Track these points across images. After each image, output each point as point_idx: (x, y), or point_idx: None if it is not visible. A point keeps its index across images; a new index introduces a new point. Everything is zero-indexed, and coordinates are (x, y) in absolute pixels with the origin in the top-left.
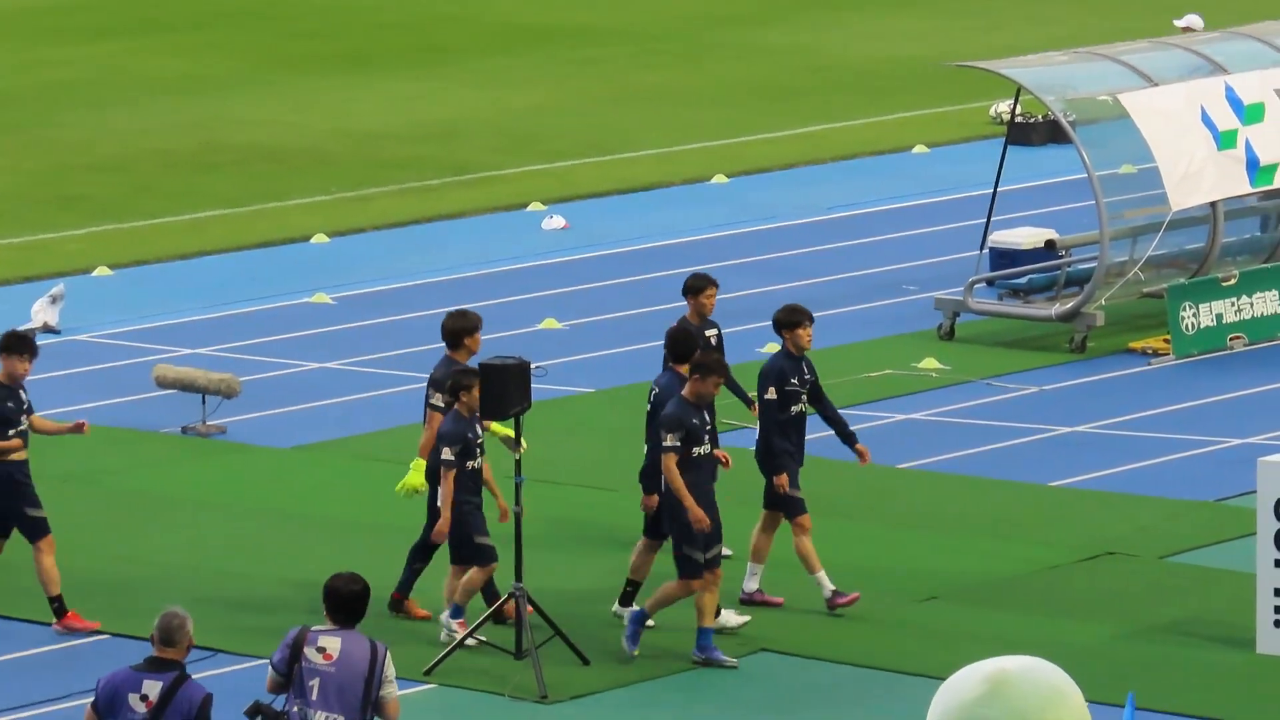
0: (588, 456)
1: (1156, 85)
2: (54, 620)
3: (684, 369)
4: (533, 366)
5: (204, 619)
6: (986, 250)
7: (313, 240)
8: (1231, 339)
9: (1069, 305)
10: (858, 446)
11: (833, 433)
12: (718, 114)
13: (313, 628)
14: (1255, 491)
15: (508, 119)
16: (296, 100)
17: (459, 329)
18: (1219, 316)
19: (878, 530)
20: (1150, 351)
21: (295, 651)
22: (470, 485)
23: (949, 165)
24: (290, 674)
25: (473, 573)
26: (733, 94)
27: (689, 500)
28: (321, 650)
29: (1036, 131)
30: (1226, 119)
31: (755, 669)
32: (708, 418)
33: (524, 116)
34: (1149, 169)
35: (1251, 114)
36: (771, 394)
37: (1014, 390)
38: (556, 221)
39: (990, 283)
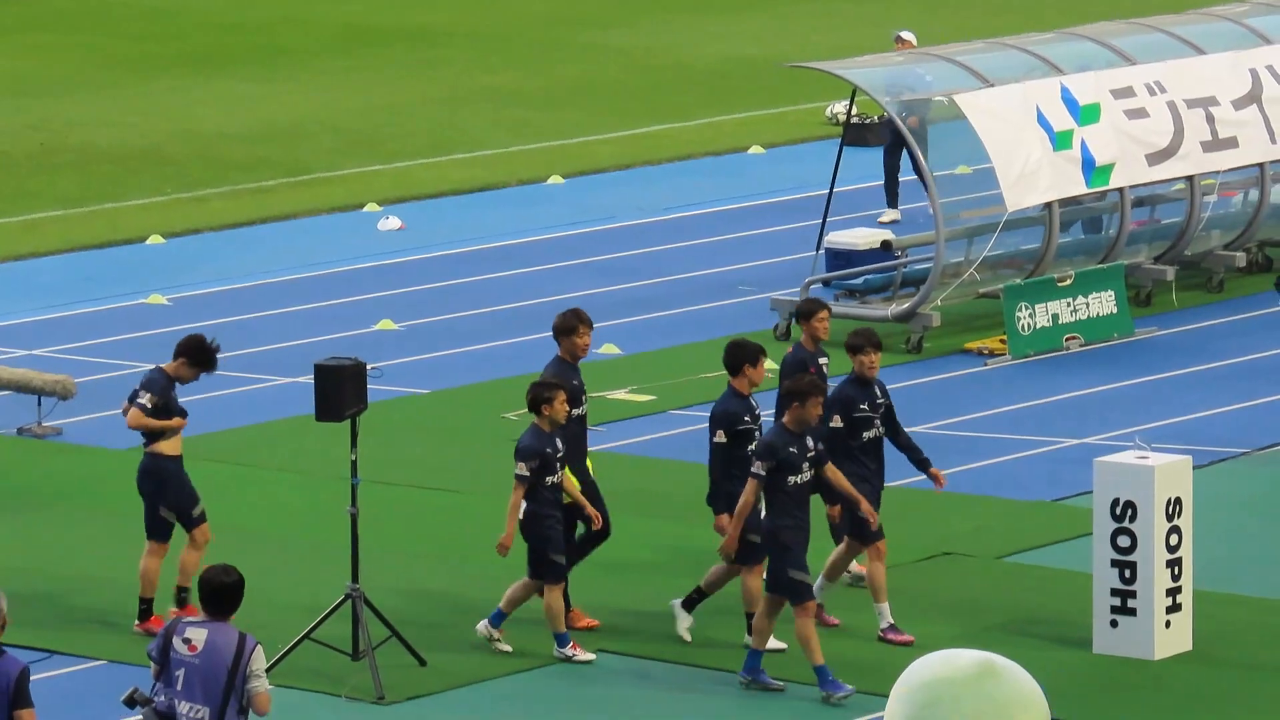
0: (423, 457)
1: (992, 86)
2: (137, 621)
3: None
4: (369, 367)
5: (39, 619)
6: (823, 251)
7: (148, 241)
8: (1067, 339)
9: (905, 306)
10: (932, 470)
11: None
12: (554, 115)
13: (185, 619)
14: (1091, 491)
15: (346, 120)
16: (135, 102)
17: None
18: (1055, 317)
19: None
20: (986, 352)
21: (166, 641)
22: (551, 499)
23: (786, 165)
24: (164, 663)
25: (525, 585)
26: (569, 95)
27: (736, 529)
28: (187, 641)
29: (873, 132)
30: (1062, 119)
31: (594, 671)
32: (809, 444)
33: (362, 118)
34: (985, 169)
35: (1087, 114)
36: (837, 422)
37: None
38: (392, 223)
39: (826, 283)
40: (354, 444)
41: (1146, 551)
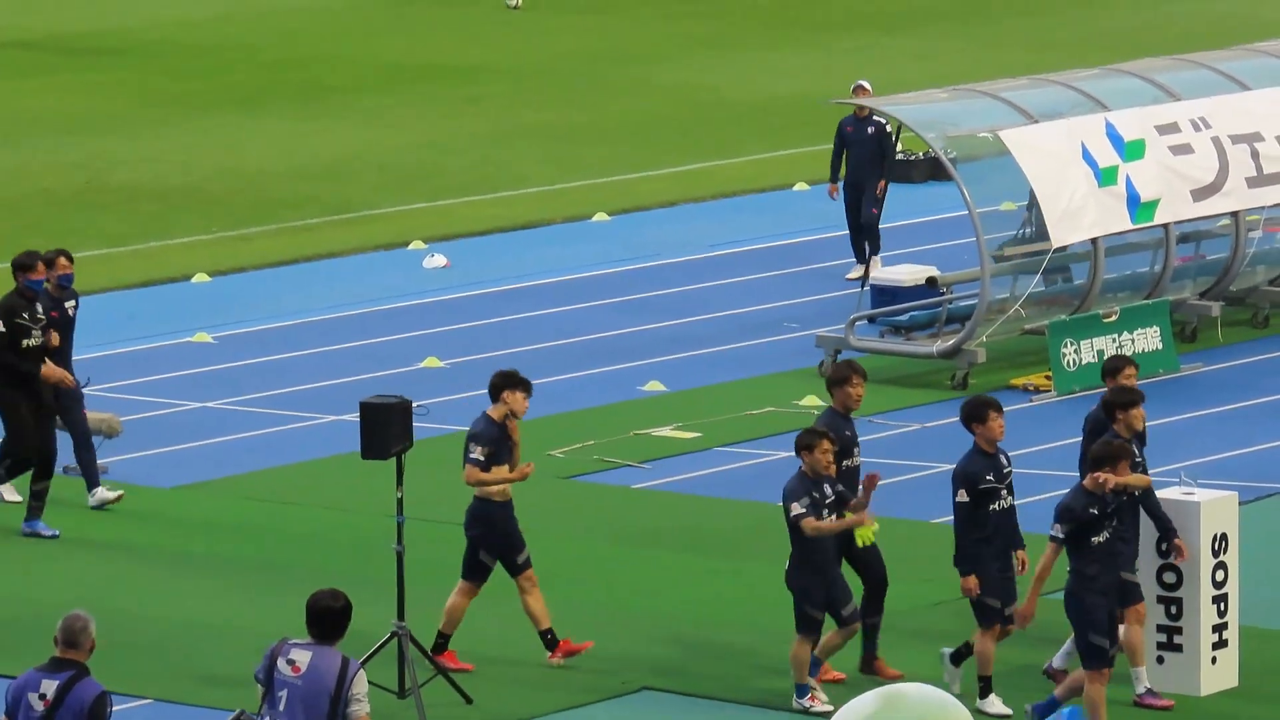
0: (470, 495)
1: (1037, 122)
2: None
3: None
4: (414, 405)
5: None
6: (868, 287)
7: (194, 279)
8: None
9: (950, 342)
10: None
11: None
12: (599, 151)
13: (290, 640)
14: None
15: (390, 158)
16: (179, 139)
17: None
18: (1100, 353)
19: (760, 567)
20: (1032, 388)
21: (271, 662)
22: (817, 548)
23: (830, 202)
24: (269, 684)
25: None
26: (615, 131)
27: (1034, 594)
28: (291, 663)
29: (918, 168)
30: (1107, 155)
31: (641, 706)
32: (1109, 501)
33: (406, 155)
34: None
35: (1132, 151)
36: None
37: (896, 427)
38: (438, 260)
39: (872, 320)
40: (400, 482)
41: (1192, 588)
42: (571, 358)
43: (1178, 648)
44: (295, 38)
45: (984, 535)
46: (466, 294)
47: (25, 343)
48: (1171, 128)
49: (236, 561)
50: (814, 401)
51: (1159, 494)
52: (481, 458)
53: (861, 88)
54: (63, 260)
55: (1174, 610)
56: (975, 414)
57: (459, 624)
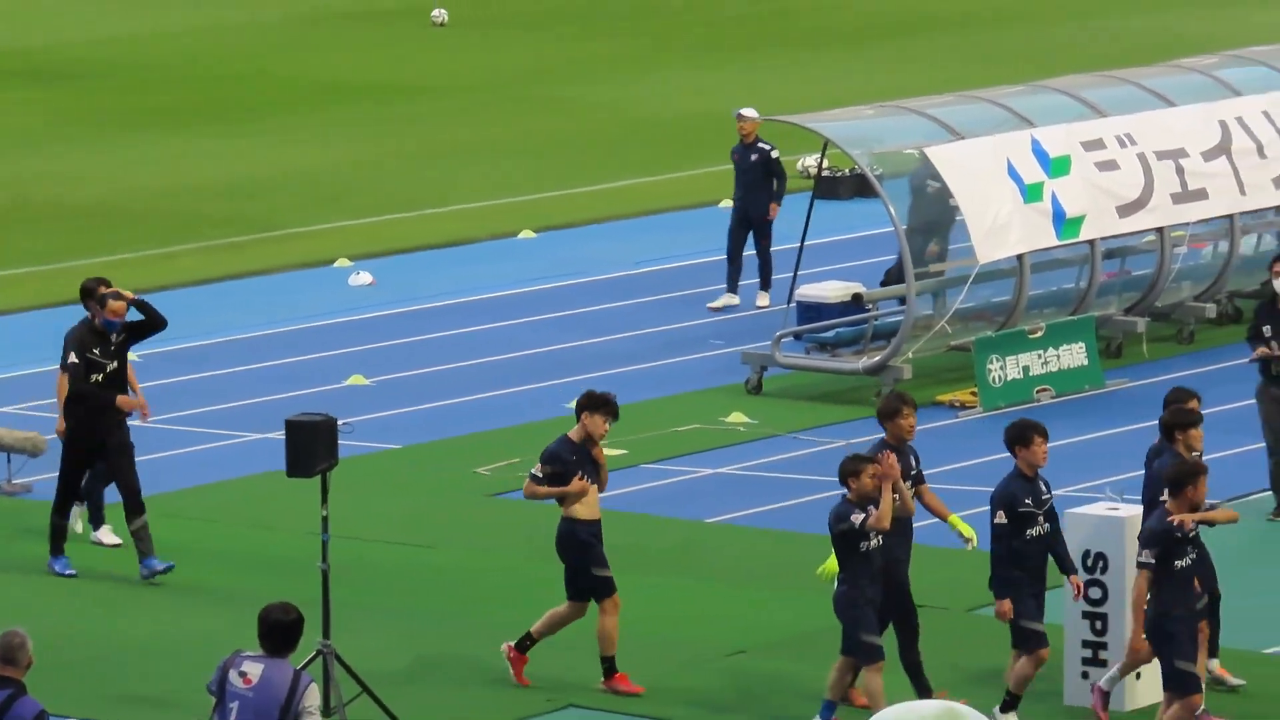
0: (395, 513)
1: (963, 138)
2: (602, 679)
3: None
4: (339, 423)
5: None
6: (794, 304)
7: None
8: (1038, 391)
9: (876, 359)
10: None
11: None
12: (526, 169)
13: (243, 652)
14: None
15: (316, 175)
16: (104, 157)
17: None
18: (1026, 369)
19: (686, 584)
20: (958, 404)
21: (223, 674)
22: (865, 573)
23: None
24: (220, 696)
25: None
26: (541, 149)
27: (1139, 624)
28: (243, 674)
29: (844, 185)
30: (1033, 172)
31: None
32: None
33: (332, 173)
34: (956, 222)
35: (1057, 167)
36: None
37: (822, 444)
38: (363, 278)
39: (797, 336)
40: (324, 500)
41: (1117, 603)
42: (497, 375)
43: (1103, 663)
44: (221, 56)
45: (1020, 560)
46: (392, 311)
47: (95, 377)
48: (1097, 144)
49: (163, 581)
50: (740, 418)
51: (1085, 510)
52: (539, 474)
53: (742, 115)
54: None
55: (1099, 626)
56: (1020, 437)
57: (616, 643)
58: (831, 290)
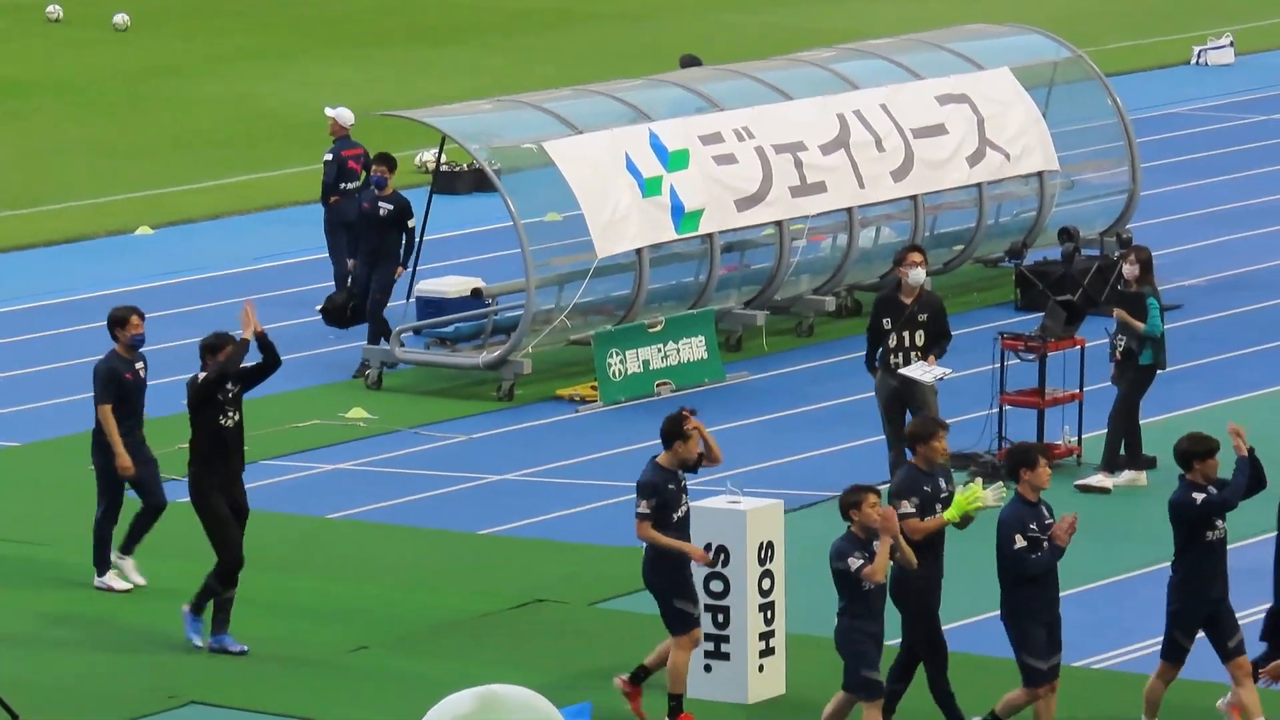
0: (15, 511)
1: (581, 133)
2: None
3: None
4: None
5: None
6: (413, 299)
7: None
8: (659, 385)
9: (496, 353)
10: None
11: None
12: (144, 165)
13: None
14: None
15: None
16: None
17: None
18: (646, 363)
19: (307, 581)
20: (578, 399)
21: None
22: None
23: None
24: None
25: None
26: (159, 145)
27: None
28: None
29: (462, 180)
30: (651, 166)
31: None
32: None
33: None
34: (575, 216)
35: (676, 161)
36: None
37: (442, 439)
38: None
39: (417, 331)
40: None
41: (739, 596)
42: None
43: (725, 656)
44: None
45: (1033, 585)
46: (8, 309)
47: (221, 420)
48: (715, 138)
49: None
50: (360, 414)
51: (707, 504)
52: (647, 510)
53: (332, 117)
54: (135, 319)
55: (721, 619)
56: (1026, 459)
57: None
58: (451, 285)
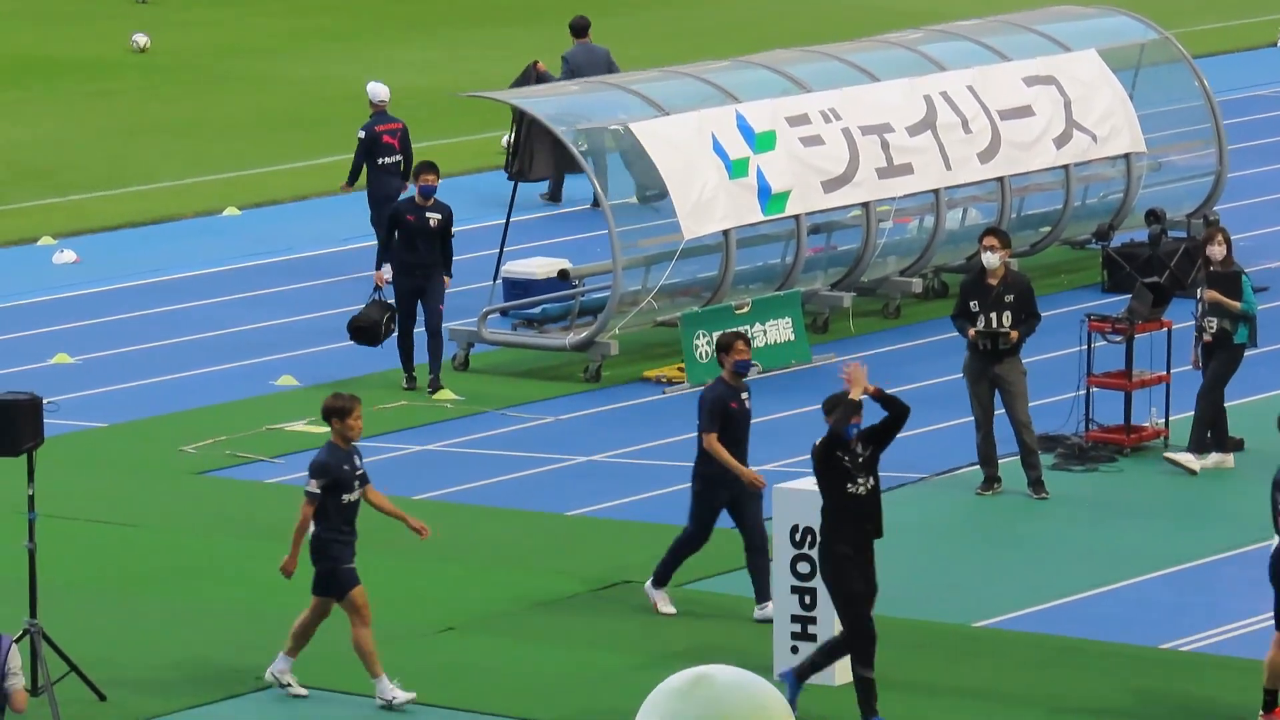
0: (101, 491)
1: (668, 114)
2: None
3: None
4: (45, 402)
5: None
6: (500, 281)
7: None
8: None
9: (583, 335)
10: None
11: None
12: (229, 146)
13: None
14: (771, 518)
15: (18, 153)
16: None
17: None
18: None
19: (394, 561)
20: (665, 380)
21: None
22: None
23: (462, 194)
24: None
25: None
26: (244, 125)
27: None
28: None
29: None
30: (738, 147)
31: (271, 704)
32: None
33: (34, 150)
34: (661, 197)
35: (763, 142)
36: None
37: (530, 420)
38: (67, 255)
39: (504, 313)
40: (30, 479)
41: None
42: (203, 353)
43: (812, 637)
44: None
45: None
46: (97, 290)
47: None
48: (802, 119)
49: None
50: (448, 395)
51: (794, 485)
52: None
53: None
54: None
55: (808, 600)
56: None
57: None
58: (538, 266)
